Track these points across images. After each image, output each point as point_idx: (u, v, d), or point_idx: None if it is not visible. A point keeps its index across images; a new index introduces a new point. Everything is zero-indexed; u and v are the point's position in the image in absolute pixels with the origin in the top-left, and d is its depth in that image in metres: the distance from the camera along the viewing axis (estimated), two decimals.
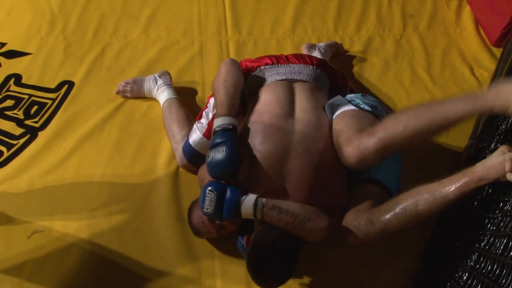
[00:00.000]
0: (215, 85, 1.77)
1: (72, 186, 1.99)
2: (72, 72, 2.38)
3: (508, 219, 1.32)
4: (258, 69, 1.84)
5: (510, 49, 1.99)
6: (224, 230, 1.71)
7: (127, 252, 1.83)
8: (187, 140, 1.92)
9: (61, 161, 2.06)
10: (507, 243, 1.26)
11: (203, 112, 1.94)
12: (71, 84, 2.32)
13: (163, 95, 2.19)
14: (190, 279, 1.78)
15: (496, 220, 1.40)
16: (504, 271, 1.22)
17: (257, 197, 1.53)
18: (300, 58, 1.88)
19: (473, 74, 2.39)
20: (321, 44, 2.42)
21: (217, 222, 1.67)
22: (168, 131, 2.08)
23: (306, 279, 1.77)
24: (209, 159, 1.58)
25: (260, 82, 1.81)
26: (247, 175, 1.60)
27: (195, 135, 1.90)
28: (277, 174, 1.60)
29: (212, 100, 1.90)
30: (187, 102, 2.20)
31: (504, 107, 1.24)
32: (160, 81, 2.22)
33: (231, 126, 1.62)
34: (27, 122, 2.18)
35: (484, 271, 1.34)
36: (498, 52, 2.39)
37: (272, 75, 1.81)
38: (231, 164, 1.55)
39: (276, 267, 1.50)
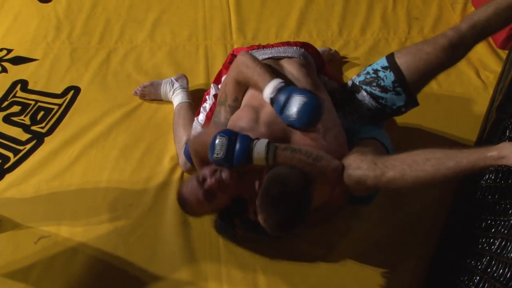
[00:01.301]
0: (243, 68, 1.69)
1: (78, 192, 2.00)
2: (78, 77, 2.39)
3: None
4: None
5: None
6: (215, 200, 1.61)
7: (133, 257, 1.83)
8: (187, 141, 1.93)
9: (67, 167, 2.07)
10: None
11: (201, 108, 1.96)
12: (77, 90, 2.33)
13: (177, 98, 2.21)
14: (196, 284, 1.78)
15: (508, 223, 1.39)
16: None
17: (268, 141, 1.48)
18: (284, 43, 1.93)
19: (479, 76, 2.38)
20: None
21: (207, 187, 1.59)
22: (174, 135, 2.09)
23: (313, 280, 1.76)
24: (292, 111, 1.53)
25: None
26: (252, 128, 1.60)
27: (194, 132, 1.91)
28: (278, 127, 1.60)
29: (211, 92, 1.94)
30: (193, 106, 2.21)
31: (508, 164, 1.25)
32: (176, 85, 2.25)
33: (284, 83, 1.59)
34: (34, 127, 2.19)
35: (495, 274, 1.33)
36: (503, 54, 2.38)
37: (259, 56, 1.82)
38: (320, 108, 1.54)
39: (293, 204, 1.45)
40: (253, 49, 1.92)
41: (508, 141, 1.62)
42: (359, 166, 1.47)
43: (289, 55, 1.84)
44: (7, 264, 1.80)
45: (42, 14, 2.69)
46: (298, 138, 1.58)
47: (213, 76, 2.37)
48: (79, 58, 2.47)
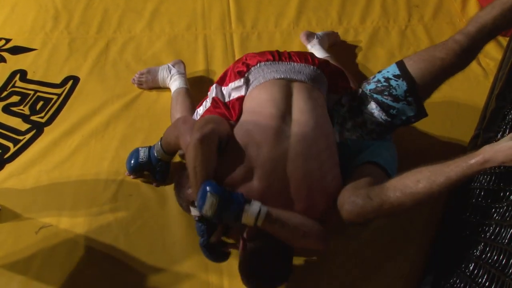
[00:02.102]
0: (187, 162, 1.61)
1: (79, 182, 2.00)
2: (77, 67, 2.38)
3: None
4: (258, 64, 1.79)
5: None
6: None
7: (134, 248, 1.83)
8: None
9: (67, 157, 2.07)
10: None
11: (204, 101, 1.94)
12: (76, 79, 2.33)
13: (174, 84, 2.21)
14: (196, 274, 1.78)
15: (501, 210, 1.39)
16: (511, 260, 1.21)
17: (260, 207, 1.48)
18: (302, 57, 1.82)
19: (479, 64, 2.37)
20: (319, 32, 2.41)
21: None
22: (172, 120, 2.09)
23: (312, 273, 1.77)
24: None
25: (259, 78, 1.75)
26: (245, 180, 1.57)
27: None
28: (276, 177, 1.57)
29: (212, 93, 1.88)
30: (192, 95, 2.20)
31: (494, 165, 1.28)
32: (173, 70, 2.24)
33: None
34: (33, 117, 2.19)
35: (490, 261, 1.34)
36: (504, 41, 2.36)
37: (271, 73, 1.74)
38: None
39: (273, 276, 1.59)
40: (268, 60, 1.79)
41: (507, 128, 1.62)
42: (355, 202, 1.48)
43: (302, 78, 1.73)
44: (8, 255, 1.80)
45: (40, 4, 2.68)
46: (294, 188, 1.58)
47: (212, 65, 2.38)
48: (78, 48, 2.47)
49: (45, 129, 2.16)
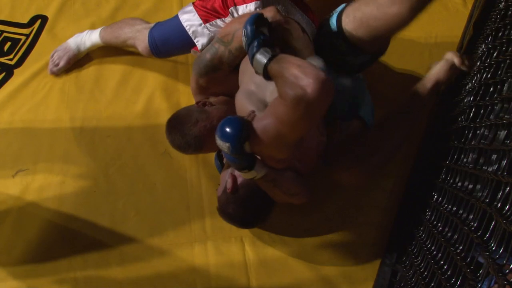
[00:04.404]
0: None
1: (54, 124, 1.97)
2: (44, 6, 2.27)
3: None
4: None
5: None
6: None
7: (114, 188, 1.84)
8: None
9: (40, 100, 2.03)
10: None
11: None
12: (44, 19, 2.23)
13: (93, 34, 2.06)
14: (178, 213, 1.81)
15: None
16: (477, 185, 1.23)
17: (262, 169, 1.43)
18: (309, 11, 1.75)
19: None
20: None
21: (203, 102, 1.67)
22: (124, 32, 1.98)
23: (296, 226, 1.80)
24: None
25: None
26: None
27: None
28: None
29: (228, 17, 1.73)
30: None
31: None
32: (83, 33, 2.08)
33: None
34: (1, 59, 2.12)
35: (454, 184, 1.39)
36: None
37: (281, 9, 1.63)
38: None
39: (257, 217, 1.67)
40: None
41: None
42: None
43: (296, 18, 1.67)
44: None
45: None
46: None
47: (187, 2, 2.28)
48: None
49: (15, 71, 2.09)
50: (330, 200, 1.82)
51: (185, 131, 1.61)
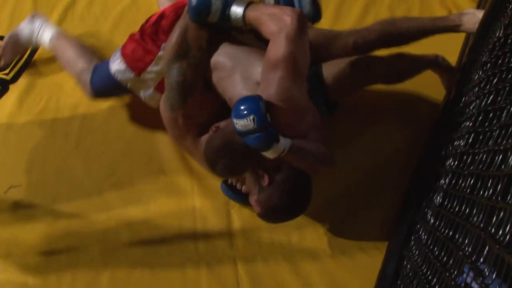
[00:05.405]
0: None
1: (48, 140, 1.97)
2: None
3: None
4: None
5: None
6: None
7: (107, 205, 1.83)
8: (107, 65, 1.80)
9: (36, 115, 2.03)
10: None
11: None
12: None
13: (45, 34, 2.00)
14: (171, 232, 1.79)
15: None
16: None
17: (287, 142, 1.38)
18: None
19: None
20: None
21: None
22: (67, 61, 1.95)
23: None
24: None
25: None
26: None
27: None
28: None
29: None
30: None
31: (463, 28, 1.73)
32: (37, 23, 2.02)
33: None
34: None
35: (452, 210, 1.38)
36: None
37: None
38: None
39: (302, 204, 1.59)
40: None
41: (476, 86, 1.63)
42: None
43: None
44: None
45: None
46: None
47: None
48: (43, 2, 2.36)
49: (11, 86, 2.09)
50: (324, 217, 1.82)
51: (231, 154, 1.46)
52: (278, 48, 1.36)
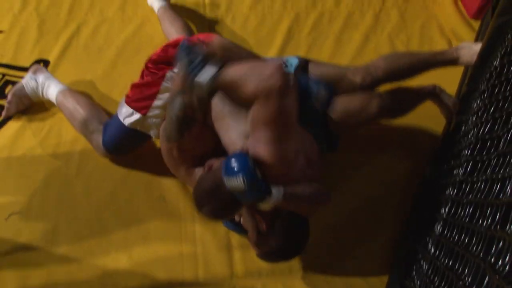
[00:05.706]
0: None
1: (50, 166, 1.97)
2: (47, 50, 2.32)
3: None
4: None
5: (489, 22, 1.98)
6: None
7: (107, 233, 1.83)
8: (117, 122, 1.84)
9: (38, 142, 2.04)
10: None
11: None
12: (46, 63, 2.26)
13: (51, 90, 2.04)
14: (171, 261, 1.79)
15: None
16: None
17: (280, 191, 1.41)
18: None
19: (451, 47, 2.38)
20: None
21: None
22: (76, 122, 1.98)
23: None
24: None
25: None
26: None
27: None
28: None
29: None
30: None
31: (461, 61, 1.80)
32: (40, 78, 2.07)
33: None
34: (1, 102, 2.13)
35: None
36: (476, 24, 2.38)
37: None
38: None
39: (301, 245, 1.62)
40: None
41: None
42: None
43: None
44: None
45: None
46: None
47: None
48: (48, 30, 2.40)
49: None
50: (325, 246, 1.82)
51: (219, 199, 1.46)
52: (262, 110, 1.35)
